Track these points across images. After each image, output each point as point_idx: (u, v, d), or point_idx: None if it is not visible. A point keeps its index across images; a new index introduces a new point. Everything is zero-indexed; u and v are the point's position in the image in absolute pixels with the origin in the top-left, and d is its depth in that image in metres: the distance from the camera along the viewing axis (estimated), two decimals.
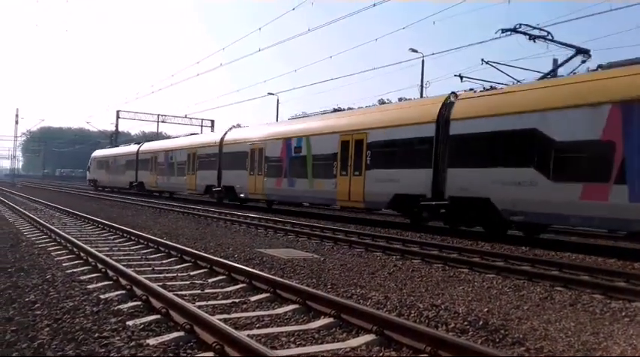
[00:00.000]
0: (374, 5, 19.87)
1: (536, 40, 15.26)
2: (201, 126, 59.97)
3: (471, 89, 15.04)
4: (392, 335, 4.29)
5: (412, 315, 5.24)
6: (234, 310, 5.35)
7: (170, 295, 5.18)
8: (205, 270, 7.47)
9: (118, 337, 4.15)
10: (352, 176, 17.36)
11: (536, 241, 13.15)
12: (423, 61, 33.64)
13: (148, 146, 37.64)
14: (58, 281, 6.36)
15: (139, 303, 5.26)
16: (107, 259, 7.33)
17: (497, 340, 4.53)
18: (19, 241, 10.27)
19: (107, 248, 9.52)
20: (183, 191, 31.54)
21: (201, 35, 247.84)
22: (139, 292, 5.56)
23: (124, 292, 5.75)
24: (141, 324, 4.55)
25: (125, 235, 11.39)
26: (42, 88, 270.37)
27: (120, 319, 4.71)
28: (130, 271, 6.47)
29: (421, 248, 10.86)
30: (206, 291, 6.19)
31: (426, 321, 5.04)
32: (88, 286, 6.13)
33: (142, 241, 10.40)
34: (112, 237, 11.48)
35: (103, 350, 3.86)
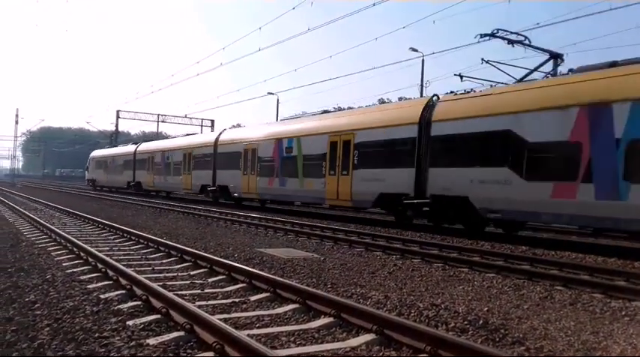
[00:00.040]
0: (374, 5, 19.91)
1: (515, 45, 15.81)
2: (201, 126, 59.96)
3: (452, 92, 15.60)
4: (392, 335, 4.29)
5: (412, 314, 5.24)
6: (234, 309, 5.35)
7: (170, 294, 5.18)
8: (205, 270, 7.47)
9: (118, 337, 4.15)
10: (340, 176, 17.84)
11: (538, 240, 13.17)
12: (423, 60, 33.56)
13: (145, 146, 38.12)
14: (58, 281, 6.36)
15: (139, 303, 5.26)
16: (107, 258, 7.33)
17: (497, 339, 4.53)
18: (19, 241, 10.27)
19: (107, 248, 9.53)
20: (180, 191, 32.03)
21: (201, 35, 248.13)
22: (139, 291, 5.56)
23: (124, 291, 5.76)
24: (141, 324, 4.55)
25: (125, 234, 11.40)
26: (42, 88, 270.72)
27: (120, 318, 4.71)
28: (130, 270, 6.48)
29: (421, 248, 10.87)
30: (206, 291, 6.19)
31: (426, 320, 5.04)
32: (88, 286, 6.13)
33: (142, 240, 10.40)
34: (112, 237, 11.48)
35: (103, 350, 3.87)
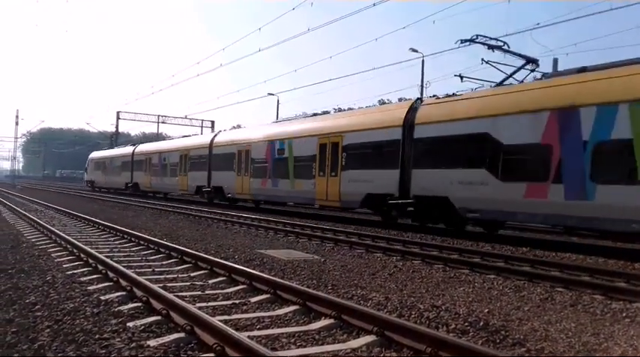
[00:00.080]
0: (374, 5, 19.86)
1: (494, 50, 16.25)
2: (202, 126, 59.96)
3: (435, 95, 16.21)
4: (392, 336, 4.29)
5: (413, 316, 5.24)
6: (234, 311, 5.35)
7: (170, 296, 5.18)
8: (206, 271, 7.47)
9: (119, 339, 4.15)
10: (329, 177, 18.40)
11: (538, 242, 13.17)
12: (423, 60, 33.71)
13: (142, 148, 38.63)
14: (58, 282, 6.36)
15: (140, 304, 5.25)
16: (107, 260, 7.33)
17: (498, 340, 4.53)
18: (20, 243, 10.27)
19: (107, 249, 9.52)
20: (176, 191, 32.53)
21: (202, 35, 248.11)
22: (139, 293, 5.56)
23: (124, 293, 5.75)
24: (141, 325, 4.55)
25: (125, 236, 11.39)
26: (42, 89, 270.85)
27: (120, 320, 4.71)
28: (130, 272, 6.47)
29: (421, 249, 10.86)
30: (206, 292, 6.19)
31: (427, 322, 5.04)
32: (89, 288, 6.13)
33: (142, 242, 10.40)
34: (112, 238, 11.48)
35: (104, 351, 3.86)
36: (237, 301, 5.72)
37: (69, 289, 6.03)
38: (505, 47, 16.08)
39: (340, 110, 21.79)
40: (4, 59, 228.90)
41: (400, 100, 17.95)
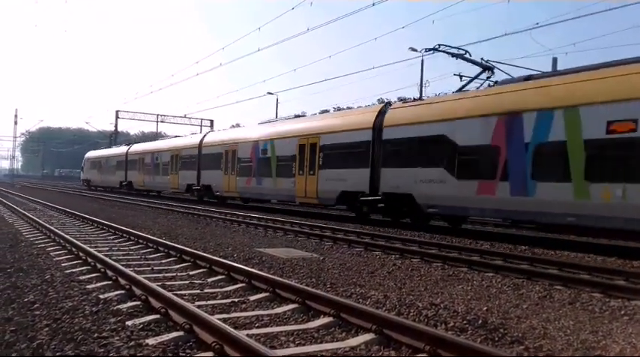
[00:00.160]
0: (373, 5, 19.89)
1: (458, 58, 17.44)
2: (201, 126, 59.92)
3: (403, 99, 17.62)
4: (391, 334, 4.29)
5: (411, 314, 5.24)
6: (233, 309, 5.35)
7: (169, 294, 5.18)
8: (205, 270, 7.47)
9: (118, 337, 4.15)
10: (308, 175, 19.64)
11: (537, 240, 13.19)
12: (422, 60, 33.62)
13: (136, 148, 39.86)
14: (57, 281, 6.36)
15: (139, 303, 5.25)
16: (106, 259, 7.33)
17: (497, 338, 4.54)
18: (18, 242, 10.26)
19: (106, 248, 9.52)
20: (168, 190, 33.89)
21: (202, 34, 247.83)
22: (138, 291, 5.56)
23: (123, 291, 5.75)
24: (140, 324, 4.55)
25: (124, 235, 11.39)
26: (41, 88, 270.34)
27: (119, 319, 4.71)
28: (129, 270, 6.47)
29: (420, 247, 10.87)
30: (205, 291, 6.19)
31: (425, 320, 5.04)
32: (87, 286, 6.13)
33: (141, 241, 10.40)
34: (111, 237, 11.47)
35: (103, 350, 3.86)
36: (236, 300, 5.72)
37: (68, 287, 6.02)
38: (466, 56, 17.35)
39: (339, 109, 22.02)
40: (3, 59, 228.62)
41: (399, 99, 18.26)
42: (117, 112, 60.23)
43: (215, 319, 4.35)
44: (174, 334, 4.26)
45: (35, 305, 5.16)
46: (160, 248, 9.39)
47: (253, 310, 5.36)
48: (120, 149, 43.54)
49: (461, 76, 18.49)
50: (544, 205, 11.77)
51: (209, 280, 6.86)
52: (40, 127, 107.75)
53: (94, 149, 56.31)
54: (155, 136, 62.52)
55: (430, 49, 17.39)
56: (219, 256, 8.32)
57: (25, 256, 8.47)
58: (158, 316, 4.75)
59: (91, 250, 8.25)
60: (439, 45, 17.39)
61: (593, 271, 8.27)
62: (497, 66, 17.30)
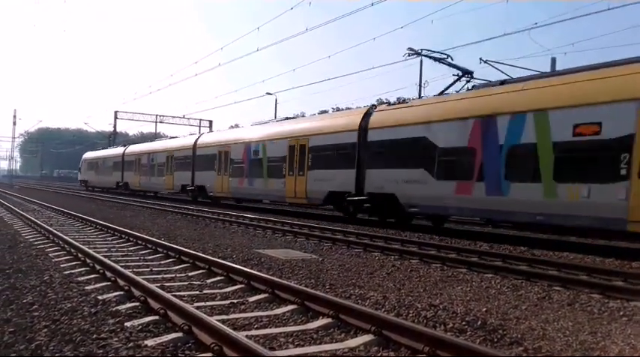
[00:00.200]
0: (372, 5, 19.90)
1: (441, 62, 17.90)
2: (199, 126, 59.82)
3: (388, 102, 18.21)
4: (390, 335, 4.29)
5: (410, 315, 5.24)
6: (232, 310, 5.35)
7: (168, 295, 5.17)
8: (204, 271, 7.46)
9: (116, 338, 4.15)
10: (297, 176, 20.14)
11: (536, 241, 13.19)
12: (421, 60, 33.61)
13: (132, 149, 40.45)
14: (55, 282, 6.35)
15: (137, 304, 5.25)
16: (105, 260, 7.32)
17: (496, 339, 4.54)
18: (17, 243, 10.25)
19: (105, 249, 9.51)
20: (163, 190, 34.14)
21: (201, 34, 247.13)
22: (137, 292, 5.56)
23: (122, 293, 5.75)
24: (139, 325, 4.55)
25: (123, 236, 11.38)
26: (40, 88, 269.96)
27: (118, 320, 4.70)
28: (128, 272, 6.47)
29: (419, 248, 10.87)
30: (204, 292, 6.19)
31: (425, 321, 5.04)
32: (86, 287, 6.12)
33: (140, 242, 10.40)
34: (109, 238, 11.47)
35: (101, 351, 3.86)
36: (235, 301, 5.72)
37: (66, 288, 6.02)
38: (448, 60, 17.84)
39: (339, 110, 22.34)
40: (2, 59, 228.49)
41: (398, 99, 18.46)
42: (116, 112, 60.12)
43: (214, 320, 4.35)
44: (173, 335, 4.26)
45: (34, 306, 5.15)
46: (158, 249, 9.38)
47: (252, 311, 5.36)
48: (116, 150, 44.13)
49: (460, 77, 18.58)
50: (517, 204, 12.33)
51: (208, 281, 6.86)
52: (38, 128, 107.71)
53: (92, 150, 56.43)
54: (154, 136, 62.50)
55: (414, 52, 17.84)
56: (218, 257, 8.31)
57: (24, 257, 8.46)
58: (157, 317, 4.75)
59: (90, 251, 8.24)
60: (421, 49, 17.91)
61: (591, 272, 8.28)
62: (496, 66, 17.45)
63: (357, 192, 17.33)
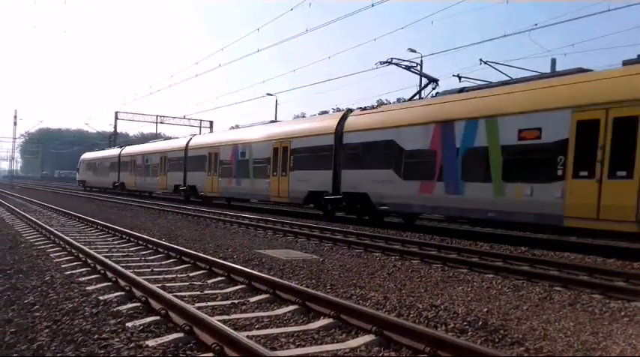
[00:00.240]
0: (372, 5, 19.90)
1: (411, 70, 19.49)
2: (200, 127, 59.87)
3: (363, 107, 19.10)
4: (391, 336, 4.29)
5: (411, 315, 5.24)
6: (233, 311, 5.35)
7: (169, 296, 5.17)
8: (205, 271, 7.47)
9: (118, 339, 4.15)
10: (280, 176, 21.29)
11: (537, 241, 13.19)
12: (421, 61, 33.65)
13: (128, 150, 41.67)
14: (57, 283, 6.35)
15: (139, 304, 5.25)
16: (106, 260, 7.32)
17: (497, 340, 4.54)
18: (18, 243, 10.25)
19: (106, 250, 9.52)
20: (157, 190, 35.08)
21: (201, 35, 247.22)
22: (138, 293, 5.56)
23: (123, 293, 5.75)
24: (140, 325, 4.55)
25: (124, 236, 11.39)
26: (40, 89, 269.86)
27: (119, 320, 4.71)
28: (129, 272, 6.47)
29: (420, 248, 10.87)
30: (205, 292, 6.19)
31: (426, 321, 5.04)
32: (87, 288, 6.13)
33: (140, 242, 10.40)
34: (110, 238, 11.47)
35: (103, 352, 3.86)
36: (236, 301, 5.72)
37: (68, 289, 6.02)
38: (416, 69, 19.29)
39: (339, 110, 22.59)
40: (2, 60, 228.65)
41: (398, 100, 18.84)
42: (116, 113, 60.17)
43: (215, 320, 4.35)
44: (175, 335, 4.26)
45: (35, 307, 5.16)
46: (159, 249, 9.38)
47: (253, 311, 5.36)
48: (113, 151, 45.27)
49: (460, 77, 18.72)
50: (471, 202, 13.51)
51: (209, 281, 6.86)
52: (39, 128, 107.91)
53: (92, 151, 56.65)
54: (154, 137, 62.57)
55: (384, 62, 19.18)
56: (219, 258, 8.31)
57: (25, 257, 8.46)
58: (158, 317, 4.75)
59: (91, 251, 8.24)
60: (392, 59, 19.22)
61: (593, 272, 8.27)
62: (496, 67, 17.55)
63: (334, 191, 18.48)
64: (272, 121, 25.58)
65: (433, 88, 18.35)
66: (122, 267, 6.90)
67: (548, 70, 20.13)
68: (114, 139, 60.95)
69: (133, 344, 4.04)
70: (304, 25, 50.71)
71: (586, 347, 4.48)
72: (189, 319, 4.42)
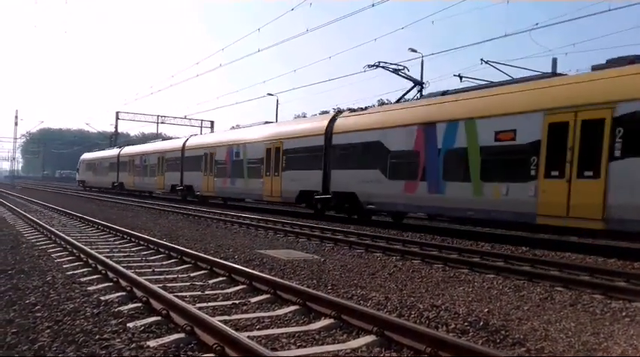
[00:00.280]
0: (373, 5, 19.88)
1: (399, 73, 19.73)
2: (201, 126, 59.87)
3: (352, 109, 19.77)
4: (392, 336, 4.29)
5: (412, 316, 5.24)
6: (234, 311, 5.35)
7: (170, 296, 5.18)
8: (206, 271, 7.47)
9: (119, 339, 4.15)
10: (273, 176, 21.78)
11: (537, 241, 13.18)
12: (422, 61, 33.65)
13: (127, 150, 42.31)
14: (58, 283, 6.36)
15: (140, 305, 5.26)
16: (107, 260, 7.33)
17: (498, 340, 4.53)
18: (20, 243, 10.26)
19: (107, 250, 9.52)
20: (155, 190, 35.63)
21: (201, 35, 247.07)
22: (139, 293, 5.56)
23: (124, 293, 5.75)
24: (141, 326, 4.55)
25: (125, 236, 11.39)
26: (41, 89, 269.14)
27: (120, 320, 4.71)
28: (130, 272, 6.47)
29: (421, 249, 10.86)
30: (206, 292, 6.19)
31: (427, 322, 5.04)
32: (89, 288, 6.13)
33: (141, 242, 10.40)
34: (111, 238, 11.48)
35: (104, 352, 3.87)
36: (237, 302, 5.72)
37: (69, 289, 6.03)
38: (404, 72, 19.68)
39: (339, 111, 22.57)
40: (3, 60, 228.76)
41: (398, 100, 18.83)
42: (117, 113, 60.24)
43: (216, 320, 4.35)
44: (176, 336, 4.26)
45: (36, 307, 5.16)
46: (160, 250, 9.39)
47: (254, 311, 5.36)
48: (112, 152, 45.73)
49: (461, 77, 18.72)
50: (452, 201, 14.01)
51: (210, 281, 6.86)
52: (40, 129, 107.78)
53: (95, 150, 56.79)
54: (155, 137, 62.58)
55: (372, 65, 19.56)
56: (220, 258, 8.31)
57: (27, 257, 8.47)
58: (159, 317, 4.75)
59: (92, 251, 8.25)
60: (379, 62, 19.71)
61: (594, 272, 8.26)
62: (497, 67, 17.54)
63: (324, 191, 18.99)
64: (266, 123, 26.14)
65: (419, 91, 18.96)
66: (123, 267, 6.91)
67: (549, 69, 20.10)
68: (115, 139, 60.99)
69: (134, 345, 4.04)
70: (305, 25, 50.79)
71: (587, 348, 4.48)
72: (190, 320, 4.42)
